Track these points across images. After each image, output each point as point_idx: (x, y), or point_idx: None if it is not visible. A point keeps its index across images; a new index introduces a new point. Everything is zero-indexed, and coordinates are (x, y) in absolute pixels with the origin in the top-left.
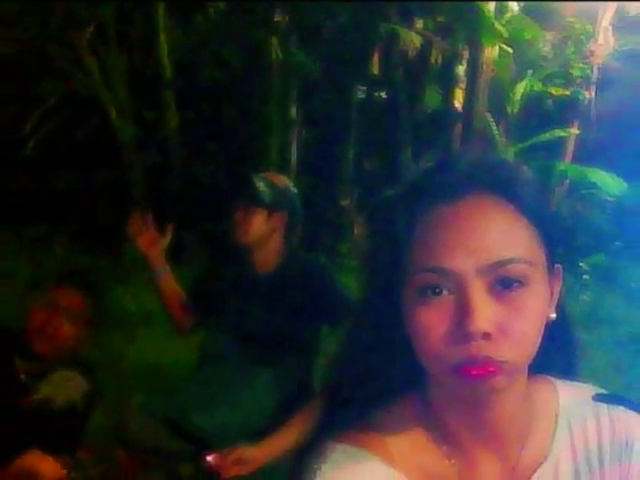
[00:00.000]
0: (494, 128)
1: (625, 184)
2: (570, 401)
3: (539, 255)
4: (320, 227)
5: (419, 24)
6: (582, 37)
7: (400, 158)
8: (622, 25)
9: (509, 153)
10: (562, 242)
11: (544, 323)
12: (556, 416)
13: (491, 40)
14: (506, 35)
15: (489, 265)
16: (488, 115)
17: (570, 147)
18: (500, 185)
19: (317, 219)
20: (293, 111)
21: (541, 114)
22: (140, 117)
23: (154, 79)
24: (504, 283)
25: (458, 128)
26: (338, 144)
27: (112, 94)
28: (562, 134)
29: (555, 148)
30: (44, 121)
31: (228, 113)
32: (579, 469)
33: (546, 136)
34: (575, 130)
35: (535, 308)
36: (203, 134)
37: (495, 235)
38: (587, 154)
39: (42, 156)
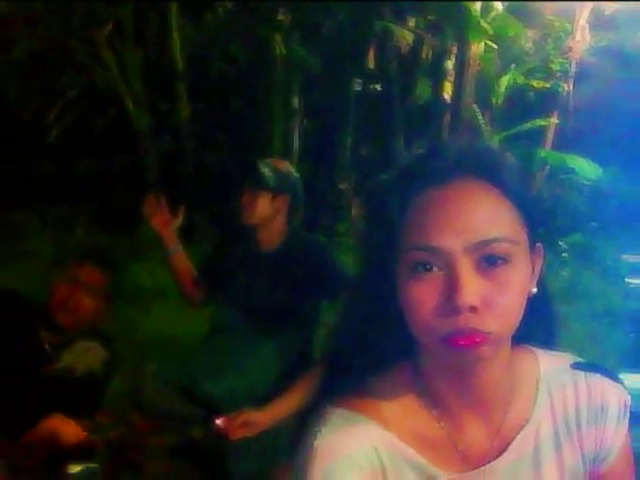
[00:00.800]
0: (480, 118)
1: (600, 169)
2: (550, 369)
3: (521, 235)
4: (320, 209)
5: (411, 22)
6: (561, 34)
7: (394, 145)
8: (598, 23)
9: (494, 141)
10: (543, 223)
11: (526, 297)
12: (537, 383)
13: (477, 37)
14: (491, 32)
15: (475, 244)
16: (474, 106)
17: (550, 136)
18: (486, 170)
19: (317, 201)
20: (295, 102)
21: (523, 105)
22: (154, 108)
23: (167, 73)
24: (489, 260)
25: (447, 118)
26: (337, 132)
27: (129, 86)
28: (543, 123)
29: (536, 136)
30: (66, 111)
31: (235, 104)
32: (558, 431)
33: (528, 125)
34: (555, 120)
35: (518, 283)
36: (212, 123)
37: (481, 216)
38: (566, 142)
39: (64, 143)
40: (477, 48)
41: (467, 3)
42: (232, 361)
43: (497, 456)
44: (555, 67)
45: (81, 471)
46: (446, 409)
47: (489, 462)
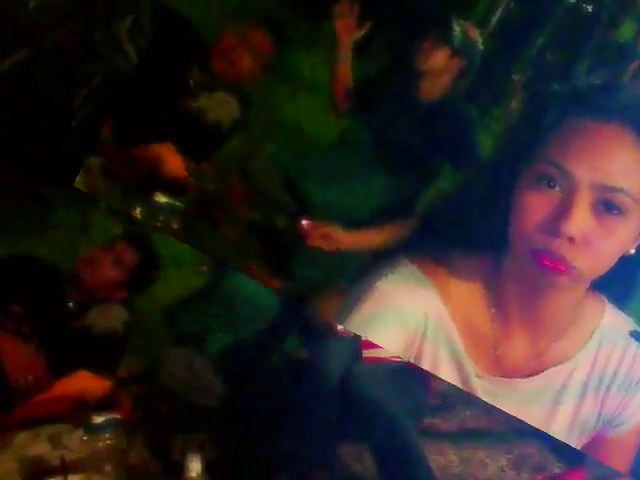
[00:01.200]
0: None
1: None
2: (610, 325)
3: None
4: (485, 87)
5: None
6: None
7: (577, 65)
8: None
9: None
10: None
11: (622, 253)
12: (593, 331)
13: None
14: None
15: (603, 185)
16: None
17: None
18: None
19: (486, 79)
20: None
21: None
22: None
23: None
24: (607, 206)
25: (634, 65)
26: (534, 27)
27: None
28: None
29: None
30: None
31: None
32: (589, 383)
33: None
34: None
35: (622, 238)
36: None
37: (619, 164)
38: None
39: None
40: None
41: None
42: (344, 177)
43: (526, 376)
44: None
45: (166, 202)
46: (504, 313)
47: (516, 377)
